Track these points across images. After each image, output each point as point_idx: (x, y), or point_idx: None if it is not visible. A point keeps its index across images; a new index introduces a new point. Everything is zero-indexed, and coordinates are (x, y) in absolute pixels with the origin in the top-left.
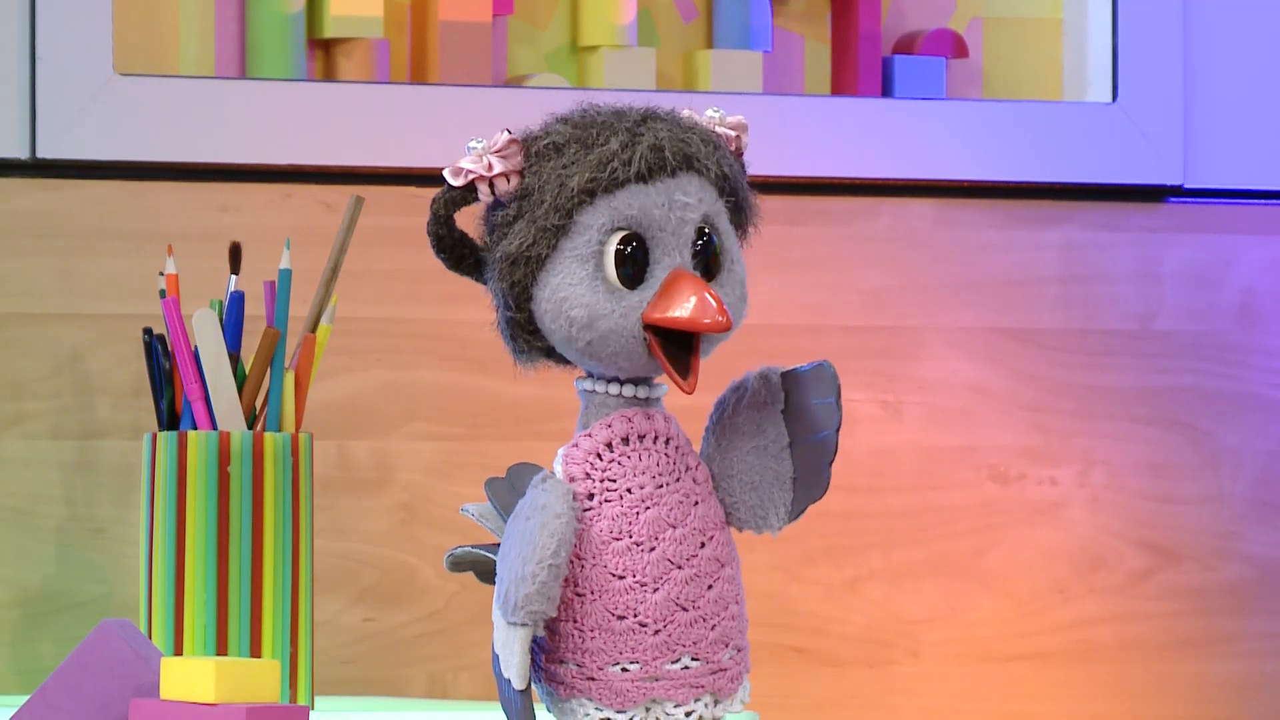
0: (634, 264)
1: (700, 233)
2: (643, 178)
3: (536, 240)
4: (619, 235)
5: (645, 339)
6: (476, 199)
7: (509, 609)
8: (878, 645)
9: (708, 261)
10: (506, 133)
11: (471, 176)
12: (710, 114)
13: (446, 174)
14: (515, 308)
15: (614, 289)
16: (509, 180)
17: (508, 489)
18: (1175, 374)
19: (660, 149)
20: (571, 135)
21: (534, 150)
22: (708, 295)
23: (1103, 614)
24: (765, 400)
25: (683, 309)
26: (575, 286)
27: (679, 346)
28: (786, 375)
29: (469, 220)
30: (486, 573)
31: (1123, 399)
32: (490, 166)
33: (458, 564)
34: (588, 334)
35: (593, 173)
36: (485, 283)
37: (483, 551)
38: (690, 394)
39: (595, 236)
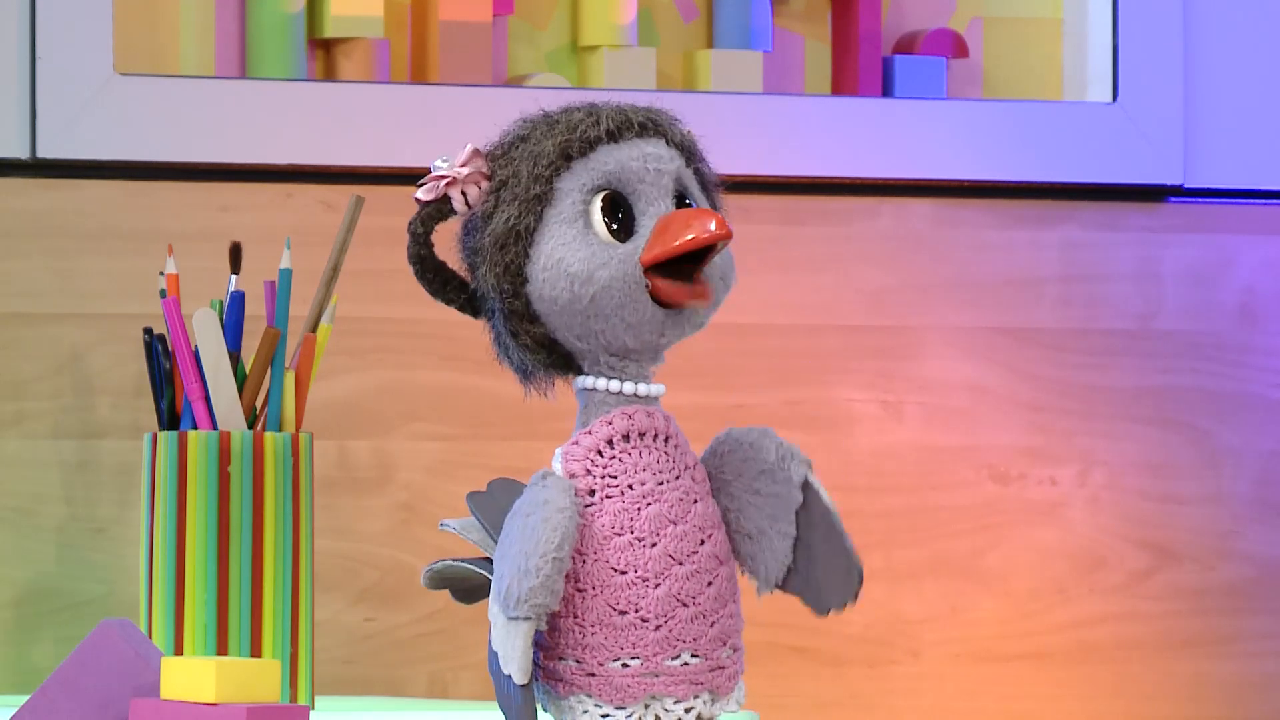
0: (621, 220)
1: (679, 198)
2: (613, 136)
3: (522, 213)
4: (601, 195)
5: (647, 284)
6: (452, 212)
7: (511, 603)
8: (878, 645)
9: None
10: (469, 146)
11: (444, 183)
12: None
13: (418, 194)
14: (512, 293)
15: (607, 243)
16: (479, 185)
17: (490, 502)
18: (1175, 374)
19: (623, 112)
20: (532, 125)
21: (498, 152)
22: (701, 216)
23: (1103, 614)
24: (779, 491)
25: (678, 235)
26: (569, 244)
27: (681, 282)
28: (811, 489)
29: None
30: (465, 591)
31: (1123, 399)
32: (460, 174)
33: (436, 579)
34: (590, 287)
35: (564, 136)
36: (471, 310)
37: (467, 565)
38: (708, 302)
39: (578, 198)
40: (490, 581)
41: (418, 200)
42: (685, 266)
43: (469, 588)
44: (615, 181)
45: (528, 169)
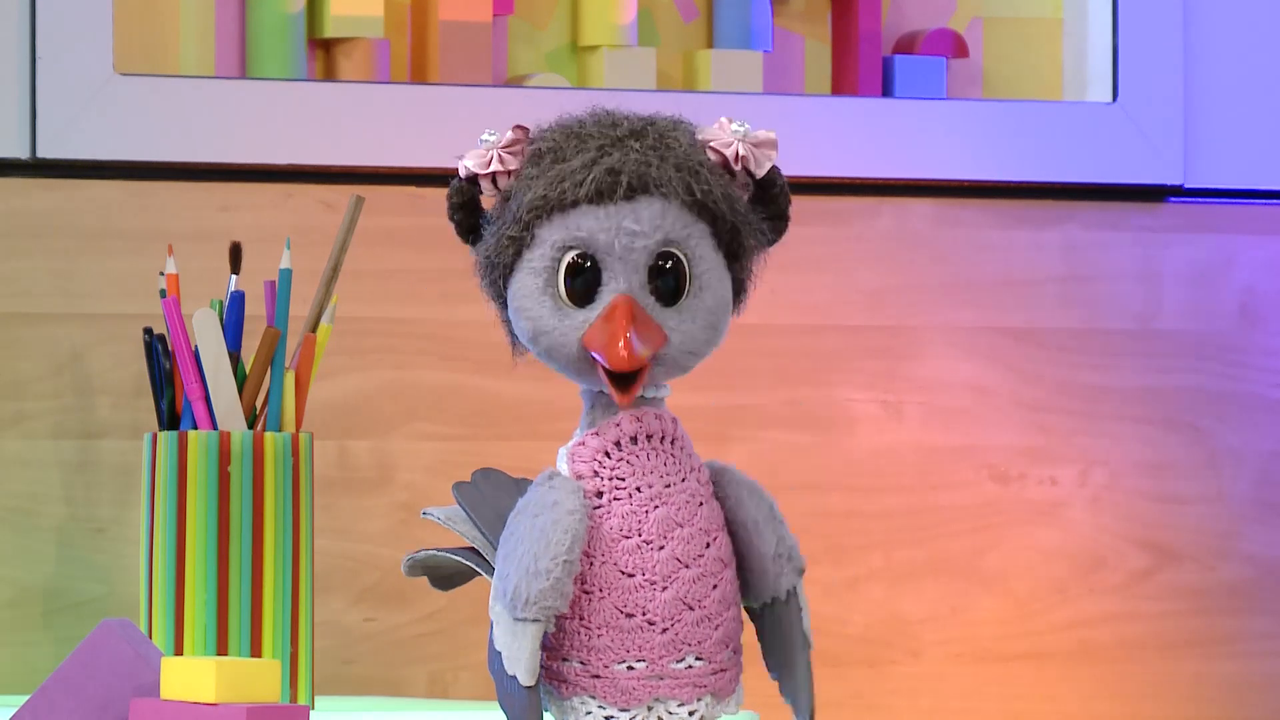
0: (585, 283)
1: (665, 256)
2: (593, 200)
3: (501, 249)
4: (572, 254)
5: (589, 356)
6: (482, 191)
7: (519, 605)
8: (878, 645)
9: (676, 284)
10: (515, 130)
11: (470, 173)
12: (735, 129)
13: (459, 163)
14: (498, 304)
15: (561, 306)
16: (510, 176)
17: (475, 492)
18: (1176, 374)
19: (616, 172)
20: (555, 144)
21: (531, 150)
22: (625, 337)
23: (1103, 614)
24: (766, 565)
25: (599, 347)
26: (526, 299)
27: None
28: (794, 600)
29: None
30: (443, 578)
31: (1123, 399)
32: (490, 163)
33: (418, 568)
34: (535, 346)
35: (545, 190)
36: None
37: (451, 555)
38: (624, 406)
39: (549, 252)
40: (471, 569)
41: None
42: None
43: (446, 574)
44: (585, 245)
45: (515, 206)
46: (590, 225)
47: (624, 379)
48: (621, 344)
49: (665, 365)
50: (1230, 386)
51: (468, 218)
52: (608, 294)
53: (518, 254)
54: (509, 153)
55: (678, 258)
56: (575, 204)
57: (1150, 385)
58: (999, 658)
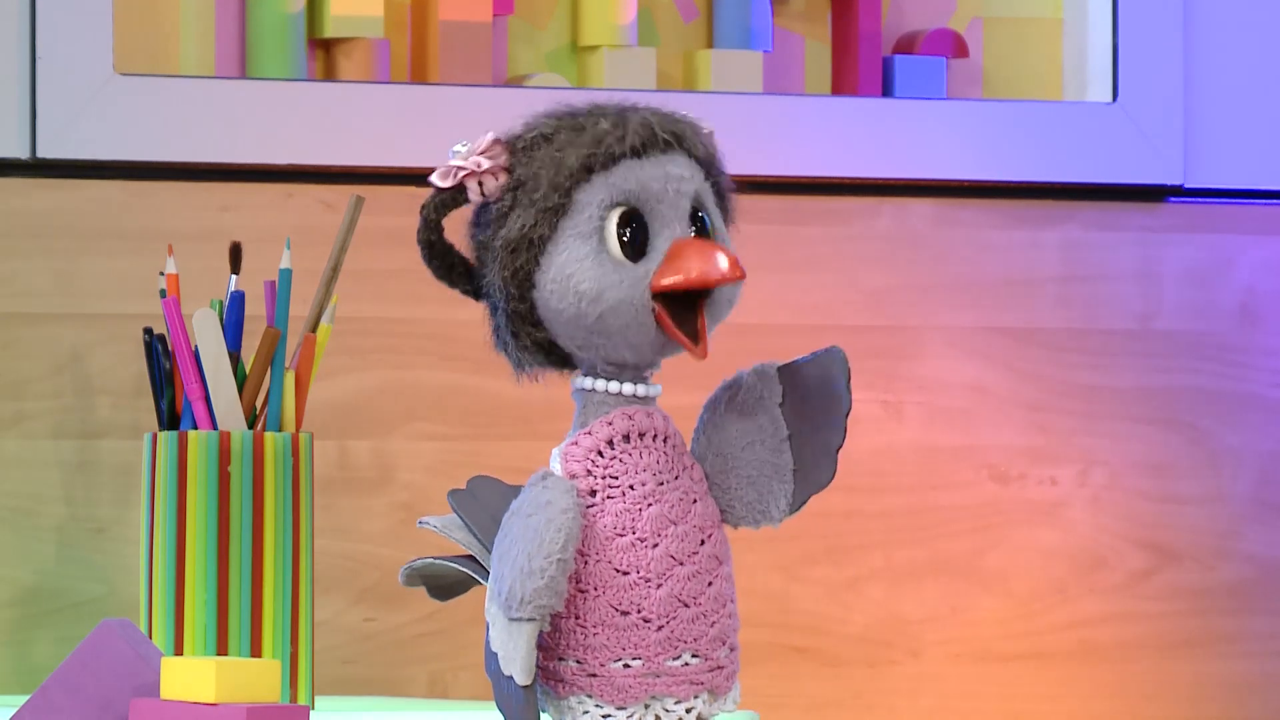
0: (636, 239)
1: (694, 212)
2: (637, 153)
3: (538, 222)
4: (618, 211)
5: (654, 309)
6: (466, 200)
7: (514, 604)
8: (878, 645)
9: (705, 235)
10: (490, 134)
11: (461, 174)
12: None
13: (434, 178)
14: (518, 297)
15: (619, 263)
16: (498, 177)
17: (471, 500)
18: (1175, 374)
19: (650, 126)
20: (558, 124)
21: (520, 145)
22: (716, 252)
23: (1103, 614)
24: (761, 395)
25: (692, 268)
26: (581, 262)
27: (685, 314)
28: (785, 368)
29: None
30: (442, 587)
31: (1123, 399)
32: (479, 164)
33: (415, 577)
34: (597, 306)
35: (589, 149)
36: (474, 295)
37: (449, 563)
38: (704, 359)
39: (595, 213)
40: (471, 578)
41: (432, 184)
42: (693, 295)
43: (446, 584)
44: (634, 199)
45: (548, 176)
46: (638, 176)
47: (692, 328)
48: (722, 257)
49: (713, 314)
50: (1230, 386)
51: (441, 240)
52: (662, 244)
53: (554, 226)
54: (489, 155)
55: (704, 213)
56: (617, 160)
57: (1150, 385)
58: (999, 658)
